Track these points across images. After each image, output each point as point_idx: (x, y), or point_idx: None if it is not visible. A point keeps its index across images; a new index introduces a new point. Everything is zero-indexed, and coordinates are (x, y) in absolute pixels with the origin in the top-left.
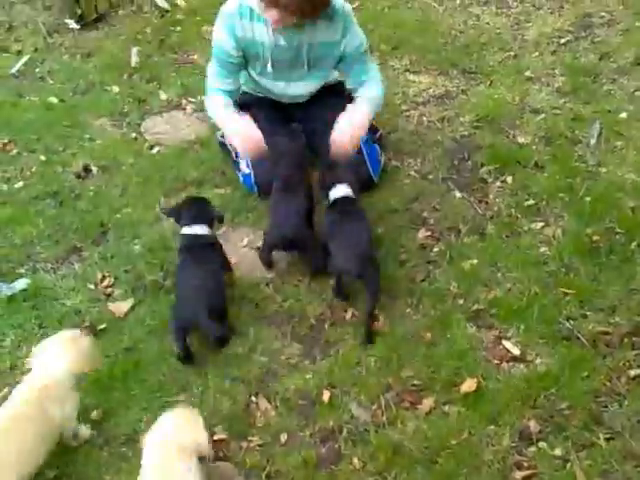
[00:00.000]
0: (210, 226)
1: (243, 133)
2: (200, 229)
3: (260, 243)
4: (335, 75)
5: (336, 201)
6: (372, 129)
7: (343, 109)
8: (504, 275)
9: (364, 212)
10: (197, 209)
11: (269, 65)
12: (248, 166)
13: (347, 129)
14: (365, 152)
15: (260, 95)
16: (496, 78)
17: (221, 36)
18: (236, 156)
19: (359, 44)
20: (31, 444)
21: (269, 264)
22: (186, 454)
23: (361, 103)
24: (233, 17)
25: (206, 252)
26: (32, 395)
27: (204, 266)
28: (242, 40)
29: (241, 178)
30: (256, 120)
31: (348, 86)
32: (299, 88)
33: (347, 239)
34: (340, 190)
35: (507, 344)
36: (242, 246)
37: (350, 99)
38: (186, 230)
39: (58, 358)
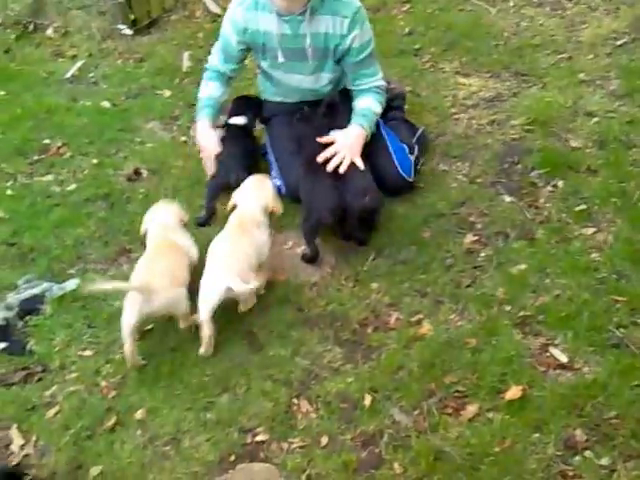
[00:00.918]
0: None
1: (200, 144)
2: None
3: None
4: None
5: None
6: (411, 128)
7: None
8: (553, 281)
9: None
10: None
11: (280, 54)
12: (276, 178)
13: (350, 152)
14: (392, 151)
15: (279, 100)
16: (549, 80)
17: (226, 26)
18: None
19: (365, 43)
20: (251, 248)
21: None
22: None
23: (355, 126)
24: (236, 8)
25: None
26: (243, 220)
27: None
28: (245, 32)
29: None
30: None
31: (347, 86)
32: (313, 82)
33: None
34: None
35: (554, 351)
36: (287, 249)
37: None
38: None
39: (254, 197)
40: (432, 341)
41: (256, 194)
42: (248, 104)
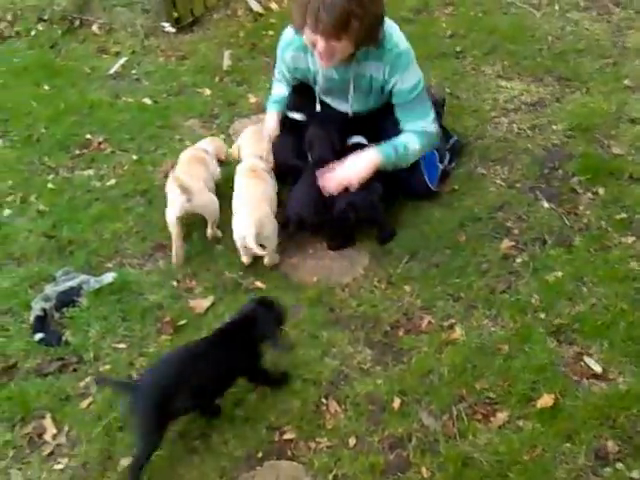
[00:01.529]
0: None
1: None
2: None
3: None
4: None
5: None
6: (445, 136)
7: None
8: (590, 290)
9: None
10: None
11: (323, 92)
12: None
13: (342, 173)
14: (422, 159)
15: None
16: (593, 86)
17: (278, 57)
18: None
19: (410, 88)
20: (270, 190)
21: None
22: None
23: (374, 152)
24: (286, 49)
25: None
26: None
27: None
28: (295, 70)
29: None
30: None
31: (399, 121)
32: (354, 109)
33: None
34: None
35: (589, 361)
36: (320, 249)
37: None
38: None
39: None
40: (464, 346)
41: (258, 145)
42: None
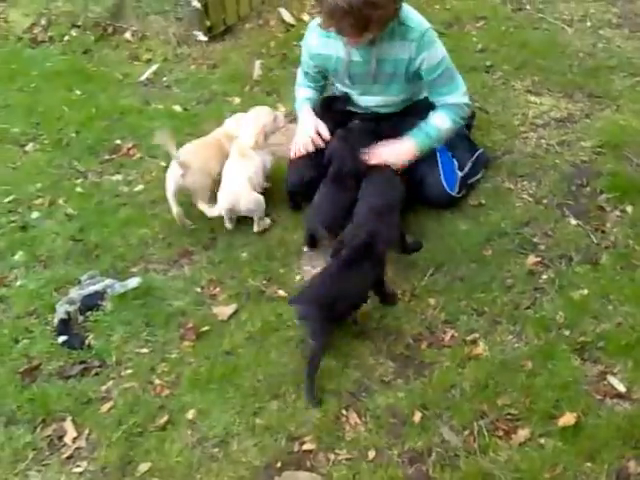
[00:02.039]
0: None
1: (304, 129)
2: None
3: None
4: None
5: None
6: (470, 146)
7: None
8: (616, 308)
9: None
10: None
11: (347, 80)
12: None
13: (387, 155)
14: (440, 163)
15: (352, 110)
16: (623, 103)
17: (303, 50)
18: None
19: (437, 63)
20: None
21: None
22: None
23: (410, 141)
24: (311, 34)
25: None
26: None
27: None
28: (318, 57)
29: None
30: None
31: (430, 99)
32: (381, 101)
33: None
34: None
35: (612, 380)
36: None
37: None
38: None
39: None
40: (487, 361)
41: (253, 124)
42: (334, 113)
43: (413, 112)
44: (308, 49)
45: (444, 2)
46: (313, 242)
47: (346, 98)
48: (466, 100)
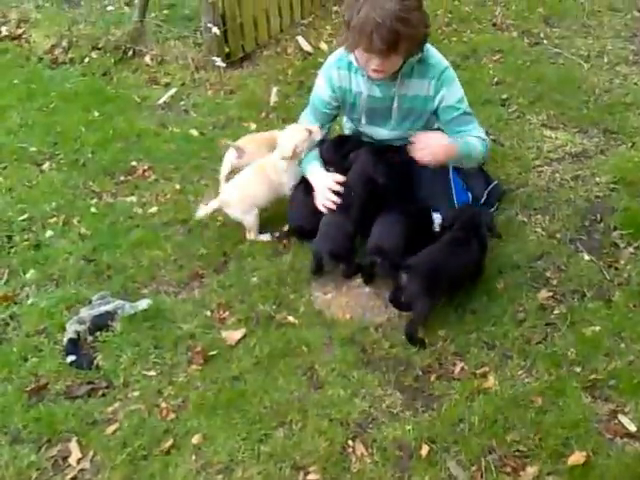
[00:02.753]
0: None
1: (320, 188)
2: None
3: (375, 284)
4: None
5: None
6: (485, 179)
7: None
8: (628, 346)
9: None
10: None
11: (363, 116)
12: None
13: (432, 142)
14: (454, 196)
15: (365, 140)
16: (639, 140)
17: (320, 83)
18: None
19: (455, 103)
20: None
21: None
22: None
23: (450, 139)
24: (332, 67)
25: None
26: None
27: None
28: (339, 89)
29: None
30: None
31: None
32: (395, 135)
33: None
34: None
35: (623, 419)
36: (355, 286)
37: None
38: None
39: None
40: (496, 396)
41: (289, 139)
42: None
43: None
44: (329, 80)
45: (461, 35)
46: (319, 268)
47: (358, 138)
48: (487, 138)
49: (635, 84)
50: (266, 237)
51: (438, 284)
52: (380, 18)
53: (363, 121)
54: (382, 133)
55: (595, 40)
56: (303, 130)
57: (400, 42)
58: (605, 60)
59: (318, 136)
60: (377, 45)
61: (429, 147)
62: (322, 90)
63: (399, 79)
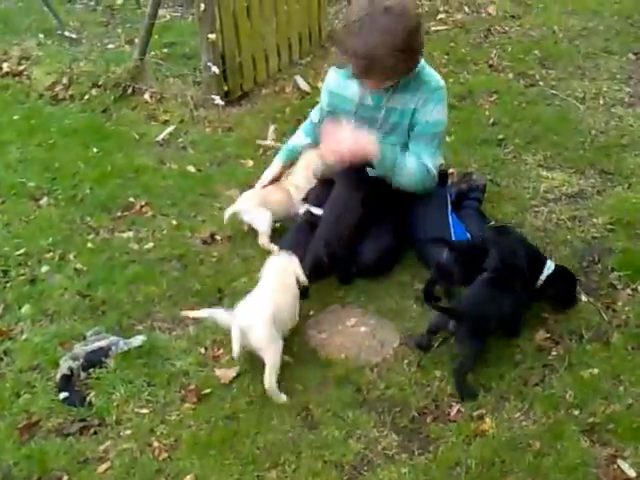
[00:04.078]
0: None
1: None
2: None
3: (371, 323)
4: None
5: None
6: (482, 220)
7: (441, 203)
8: (626, 389)
9: None
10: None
11: (352, 121)
12: None
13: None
14: (453, 237)
15: None
16: (636, 181)
17: (322, 89)
18: None
19: (433, 122)
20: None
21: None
22: None
23: (376, 143)
24: (331, 71)
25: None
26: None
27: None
28: (333, 95)
29: None
30: None
31: None
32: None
33: None
34: None
35: (622, 464)
36: (350, 326)
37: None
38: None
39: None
40: (493, 439)
41: (304, 167)
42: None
43: None
44: (326, 86)
45: (458, 76)
46: (318, 273)
47: None
48: (435, 173)
49: (631, 126)
50: (275, 248)
51: (486, 328)
52: (357, 48)
53: (352, 123)
54: None
55: (591, 82)
56: (316, 157)
57: (371, 72)
58: (601, 102)
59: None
60: (354, 70)
61: (341, 142)
62: (322, 97)
63: (390, 92)
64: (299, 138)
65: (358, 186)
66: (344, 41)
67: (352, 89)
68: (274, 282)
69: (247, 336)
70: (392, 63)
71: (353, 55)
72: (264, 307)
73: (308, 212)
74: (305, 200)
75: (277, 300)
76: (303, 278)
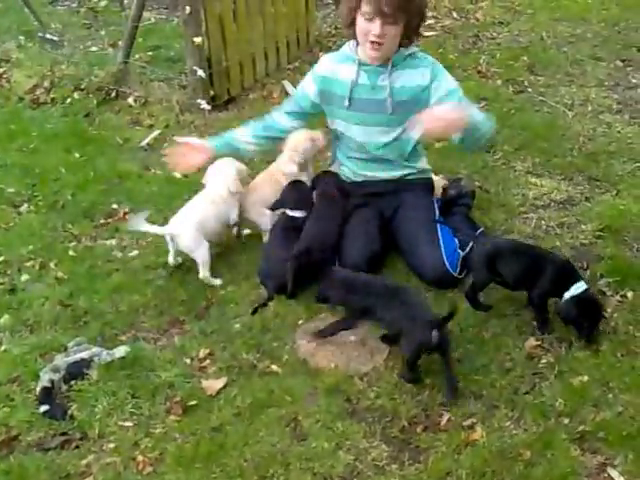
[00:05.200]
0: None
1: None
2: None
3: (360, 332)
4: (423, 165)
5: None
6: (471, 226)
7: (429, 210)
8: (616, 397)
9: None
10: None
11: (346, 101)
12: None
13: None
14: (441, 242)
15: (359, 180)
16: (623, 188)
17: (306, 78)
18: None
19: (453, 88)
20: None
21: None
22: None
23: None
24: (323, 60)
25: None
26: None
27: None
28: (324, 80)
29: None
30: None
31: None
32: (378, 135)
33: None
34: None
35: (613, 472)
36: (340, 335)
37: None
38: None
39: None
40: (484, 448)
41: (222, 177)
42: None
43: (408, 188)
44: (314, 73)
45: None
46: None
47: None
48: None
49: (619, 132)
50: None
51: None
52: None
53: (346, 108)
54: (362, 131)
55: (579, 89)
56: (307, 139)
57: (410, 3)
58: (589, 108)
59: (321, 142)
60: (387, 4)
61: (439, 119)
62: (307, 84)
63: (389, 68)
64: (248, 129)
65: (338, 196)
66: None
67: (345, 70)
68: (206, 193)
69: (177, 242)
70: (418, 17)
71: None
72: (190, 217)
73: (288, 217)
74: (276, 208)
75: (206, 210)
76: (234, 187)
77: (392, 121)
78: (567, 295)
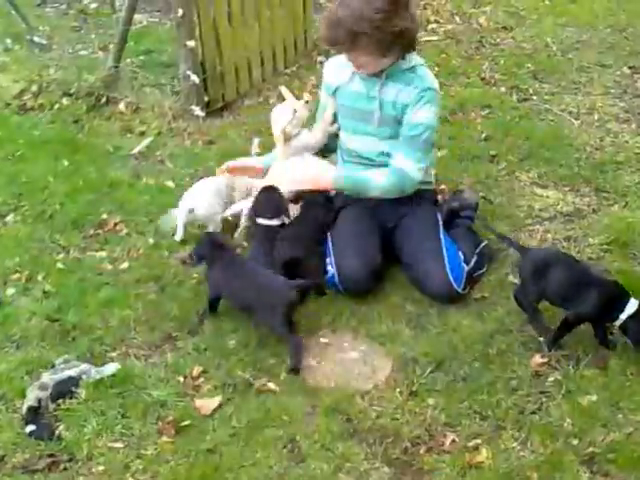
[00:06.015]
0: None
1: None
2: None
3: (361, 349)
4: (428, 177)
5: None
6: (474, 239)
7: (432, 222)
8: (626, 417)
9: None
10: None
11: (345, 110)
12: (331, 265)
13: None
14: (445, 256)
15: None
16: (632, 200)
17: (322, 93)
18: None
19: (416, 124)
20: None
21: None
22: None
23: (333, 171)
24: (329, 64)
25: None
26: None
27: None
28: (329, 87)
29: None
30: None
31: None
32: (367, 144)
33: None
34: None
35: None
36: (340, 351)
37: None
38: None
39: None
40: (490, 470)
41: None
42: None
43: (411, 199)
44: (324, 80)
45: (449, 89)
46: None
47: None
48: (417, 176)
49: (626, 142)
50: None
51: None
52: (341, 16)
53: (345, 126)
54: (356, 141)
55: (585, 97)
56: (288, 110)
57: (359, 41)
58: (595, 117)
59: (304, 112)
60: (343, 45)
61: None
62: (322, 96)
63: (382, 79)
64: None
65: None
66: (328, 19)
67: (345, 75)
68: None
69: (195, 213)
70: (380, 28)
71: (338, 24)
72: (206, 185)
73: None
74: (252, 219)
75: (219, 180)
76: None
77: (382, 133)
78: (623, 316)
